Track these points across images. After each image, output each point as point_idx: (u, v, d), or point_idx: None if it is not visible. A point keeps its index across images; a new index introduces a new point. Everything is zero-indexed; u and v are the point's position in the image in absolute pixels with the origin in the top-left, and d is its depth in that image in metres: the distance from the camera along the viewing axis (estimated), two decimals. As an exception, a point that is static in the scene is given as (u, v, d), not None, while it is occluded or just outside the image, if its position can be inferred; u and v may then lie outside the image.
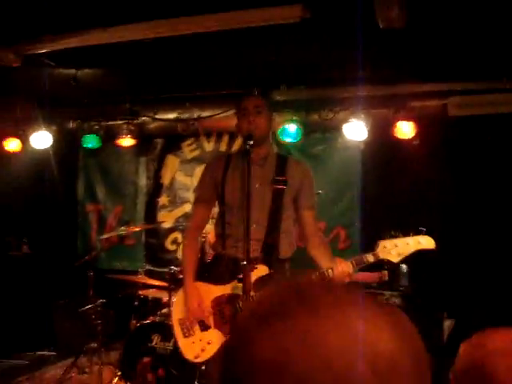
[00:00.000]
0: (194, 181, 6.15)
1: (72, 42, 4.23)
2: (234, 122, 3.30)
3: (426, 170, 5.17)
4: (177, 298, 3.23)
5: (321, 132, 5.87)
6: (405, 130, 5.18)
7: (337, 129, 5.49)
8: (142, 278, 5.10)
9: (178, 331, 3.12)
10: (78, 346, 5.22)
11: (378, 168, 5.56)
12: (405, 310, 0.65)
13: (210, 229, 4.08)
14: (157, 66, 5.21)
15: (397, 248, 2.81)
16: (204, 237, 4.39)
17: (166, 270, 5.18)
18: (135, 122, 6.08)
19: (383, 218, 5.22)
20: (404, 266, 4.85)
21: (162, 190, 6.69)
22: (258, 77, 5.13)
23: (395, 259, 2.84)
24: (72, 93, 5.61)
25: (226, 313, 2.99)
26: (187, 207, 6.31)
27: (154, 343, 4.47)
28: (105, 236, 6.27)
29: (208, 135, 6.38)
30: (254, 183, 3.00)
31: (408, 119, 5.13)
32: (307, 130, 5.55)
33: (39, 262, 6.45)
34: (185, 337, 3.08)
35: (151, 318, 4.68)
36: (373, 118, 5.29)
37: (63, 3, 3.77)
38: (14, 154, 6.35)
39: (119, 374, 4.60)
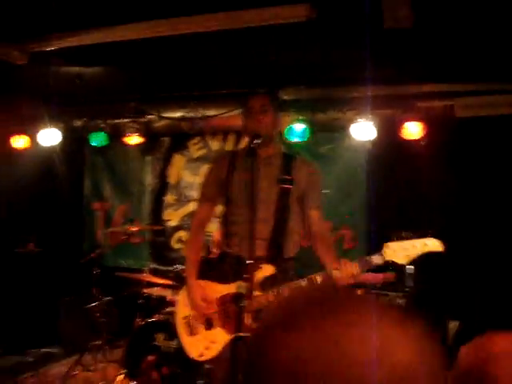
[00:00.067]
0: (199, 180, 6.15)
1: (78, 40, 4.24)
2: (239, 121, 3.29)
3: (433, 171, 5.15)
4: (181, 296, 3.22)
5: (328, 132, 5.86)
6: (412, 130, 5.17)
7: (344, 129, 5.48)
8: (147, 277, 5.10)
9: (182, 329, 3.12)
10: (82, 344, 5.23)
11: (385, 168, 5.55)
12: (409, 311, 0.64)
13: (214, 228, 4.08)
14: (163, 65, 5.21)
15: (403, 250, 2.80)
16: (209, 236, 4.39)
17: (171, 268, 5.20)
18: (141, 120, 6.09)
19: (390, 219, 5.21)
20: (409, 268, 4.83)
21: (167, 189, 6.71)
22: (264, 76, 5.12)
23: (401, 261, 2.82)
24: (78, 91, 5.62)
25: (230, 312, 2.98)
26: (193, 206, 6.31)
27: (158, 341, 4.47)
28: (110, 230, 6.30)
29: (214, 134, 6.38)
30: (260, 182, 2.98)
31: (415, 120, 5.11)
32: (314, 129, 5.54)
33: (45, 260, 6.47)
34: (189, 335, 3.08)
35: (156, 316, 4.69)
36: (380, 118, 5.28)
37: (69, 1, 3.78)
38: (21, 151, 6.37)
39: (123, 371, 4.60)
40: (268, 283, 2.89)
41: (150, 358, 4.37)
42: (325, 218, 3.33)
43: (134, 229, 5.76)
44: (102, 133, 6.26)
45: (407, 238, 2.81)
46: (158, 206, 6.72)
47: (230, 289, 3.01)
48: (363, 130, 5.28)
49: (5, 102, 5.94)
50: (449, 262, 4.57)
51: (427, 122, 5.11)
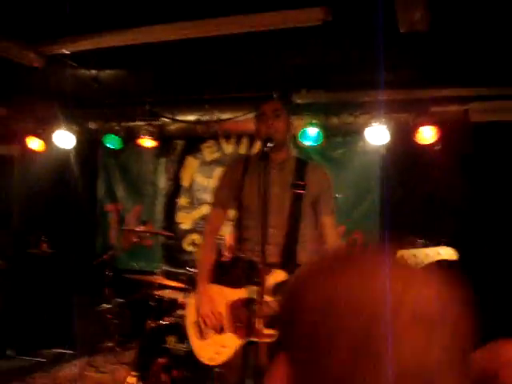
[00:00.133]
0: (212, 183, 6.16)
1: (93, 43, 4.27)
2: (253, 125, 3.28)
3: (447, 176, 5.11)
4: (192, 300, 3.22)
5: (341, 136, 5.83)
6: (426, 135, 5.13)
7: (358, 133, 5.46)
8: (159, 279, 5.11)
9: (192, 333, 3.12)
10: (94, 345, 5.25)
11: (399, 173, 5.51)
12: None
13: (226, 231, 4.08)
14: (177, 68, 5.22)
15: (415, 258, 2.77)
16: (220, 239, 4.38)
17: (183, 270, 5.20)
18: (155, 123, 6.11)
19: (403, 224, 5.16)
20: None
21: (180, 192, 6.72)
22: (278, 80, 5.12)
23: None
24: (93, 93, 5.65)
25: (241, 317, 2.97)
26: (205, 209, 6.32)
27: (169, 344, 4.47)
28: (126, 228, 6.34)
29: (228, 138, 6.39)
30: (273, 187, 2.96)
31: (429, 124, 5.08)
32: (327, 133, 5.52)
33: (58, 261, 6.51)
34: (199, 339, 3.08)
35: (167, 318, 4.69)
36: (393, 122, 5.25)
37: (85, 4, 3.80)
38: (36, 153, 6.42)
39: (134, 374, 4.61)
40: (280, 289, 2.88)
41: (161, 360, 4.38)
42: (338, 222, 3.31)
43: (147, 229, 5.77)
44: (117, 135, 6.29)
45: (420, 246, 2.79)
46: (170, 209, 6.73)
47: (241, 294, 3.00)
48: (377, 134, 5.25)
49: (21, 104, 6.00)
50: (464, 267, 4.53)
51: (441, 126, 5.07)
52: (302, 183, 3.08)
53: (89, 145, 6.71)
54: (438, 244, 2.78)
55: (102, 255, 5.49)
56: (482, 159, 5.19)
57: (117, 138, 6.31)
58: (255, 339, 2.80)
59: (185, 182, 6.70)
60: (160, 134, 6.23)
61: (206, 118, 5.87)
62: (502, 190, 5.06)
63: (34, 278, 6.30)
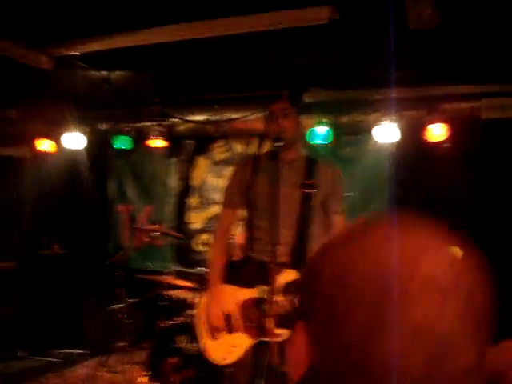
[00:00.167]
0: (222, 182, 6.16)
1: (103, 45, 4.28)
2: (263, 124, 3.27)
3: (458, 173, 5.07)
4: (204, 300, 3.22)
5: (351, 134, 5.82)
6: (437, 132, 5.11)
7: (368, 131, 5.44)
8: (170, 279, 5.12)
9: (204, 333, 3.12)
10: (105, 345, 5.27)
11: (409, 170, 5.48)
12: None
13: (237, 230, 4.08)
14: (187, 69, 5.23)
15: None
16: (231, 238, 4.38)
17: (194, 270, 5.21)
18: (166, 123, 6.12)
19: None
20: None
21: (191, 191, 6.73)
22: (287, 79, 5.11)
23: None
24: (103, 95, 5.67)
25: (252, 316, 2.97)
26: (216, 209, 6.32)
27: (180, 344, 4.48)
28: (137, 226, 6.36)
29: (238, 137, 6.39)
30: (283, 187, 2.96)
31: (440, 121, 5.05)
32: (338, 132, 5.51)
33: (70, 261, 6.54)
34: (210, 339, 3.08)
35: (179, 318, 4.70)
36: (404, 120, 5.23)
37: (94, 6, 3.81)
38: (47, 154, 6.46)
39: (147, 373, 4.62)
40: (291, 288, 2.87)
41: (172, 360, 4.39)
42: (348, 221, 3.30)
43: (158, 228, 5.77)
44: (127, 136, 6.32)
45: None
46: (181, 209, 6.75)
47: (252, 293, 3.00)
48: (387, 132, 5.23)
49: (31, 106, 6.03)
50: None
51: (452, 123, 5.05)
52: (311, 182, 3.07)
53: (99, 146, 6.74)
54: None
55: (113, 255, 5.51)
56: (492, 156, 5.15)
57: (127, 138, 6.35)
58: (266, 339, 2.79)
59: (195, 182, 6.72)
60: (170, 135, 6.25)
61: (215, 117, 5.88)
62: (513, 187, 5.03)
63: (45, 279, 6.34)
